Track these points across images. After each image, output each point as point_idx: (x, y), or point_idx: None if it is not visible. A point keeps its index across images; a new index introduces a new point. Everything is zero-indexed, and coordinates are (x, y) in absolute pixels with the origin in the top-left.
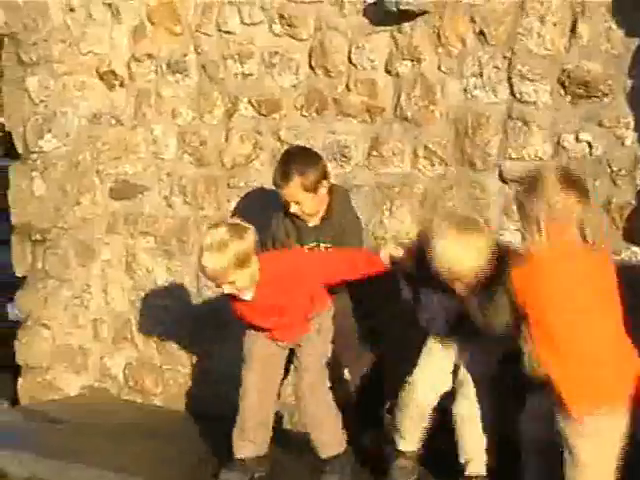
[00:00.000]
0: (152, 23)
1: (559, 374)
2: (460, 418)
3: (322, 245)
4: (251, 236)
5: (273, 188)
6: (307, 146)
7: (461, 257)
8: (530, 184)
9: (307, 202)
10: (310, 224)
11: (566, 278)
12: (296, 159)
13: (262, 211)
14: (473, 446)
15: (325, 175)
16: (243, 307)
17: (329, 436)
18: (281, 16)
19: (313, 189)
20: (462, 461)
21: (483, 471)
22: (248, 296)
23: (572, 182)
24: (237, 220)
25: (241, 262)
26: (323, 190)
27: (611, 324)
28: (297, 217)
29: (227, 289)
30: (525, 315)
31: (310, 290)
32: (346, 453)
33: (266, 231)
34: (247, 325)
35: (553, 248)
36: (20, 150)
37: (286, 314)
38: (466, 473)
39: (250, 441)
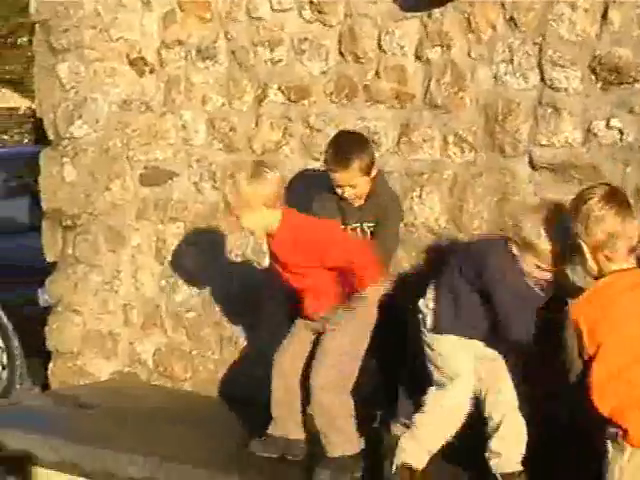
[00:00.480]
0: (182, 9)
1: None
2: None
3: (365, 225)
4: (267, 183)
5: (302, 174)
6: (352, 130)
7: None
8: (572, 206)
9: (361, 185)
10: (355, 205)
11: (628, 311)
12: (351, 144)
13: (291, 196)
14: (510, 442)
15: (374, 157)
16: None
17: (338, 436)
18: (311, 2)
19: (367, 172)
20: (492, 454)
21: (519, 467)
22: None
23: (614, 197)
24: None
25: (246, 203)
26: (374, 172)
27: None
28: (342, 198)
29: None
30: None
31: (328, 261)
32: (356, 457)
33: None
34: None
35: (610, 276)
36: (51, 136)
37: (307, 276)
38: (503, 472)
39: (281, 423)
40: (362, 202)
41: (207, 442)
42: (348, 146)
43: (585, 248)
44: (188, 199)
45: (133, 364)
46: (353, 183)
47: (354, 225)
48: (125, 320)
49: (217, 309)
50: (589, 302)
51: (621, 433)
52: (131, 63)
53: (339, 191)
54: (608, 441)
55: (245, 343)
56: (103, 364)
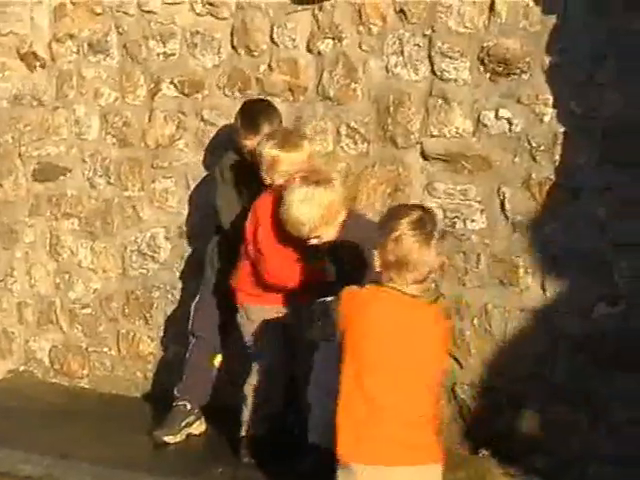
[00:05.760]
0: (73, 3)
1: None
2: None
3: None
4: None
5: (197, 167)
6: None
7: None
8: (385, 221)
9: None
10: None
11: (371, 322)
12: (261, 110)
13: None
14: None
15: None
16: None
17: None
18: None
19: None
20: None
21: None
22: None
23: (422, 227)
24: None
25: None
26: None
27: (405, 390)
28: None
29: None
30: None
31: None
32: None
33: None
34: None
35: (376, 287)
36: None
37: None
38: None
39: None
40: None
41: (105, 439)
42: (258, 113)
43: (376, 260)
44: (82, 194)
45: (29, 362)
46: None
47: None
48: (20, 318)
49: (113, 305)
50: (351, 299)
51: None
52: (22, 58)
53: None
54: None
55: (142, 339)
56: None
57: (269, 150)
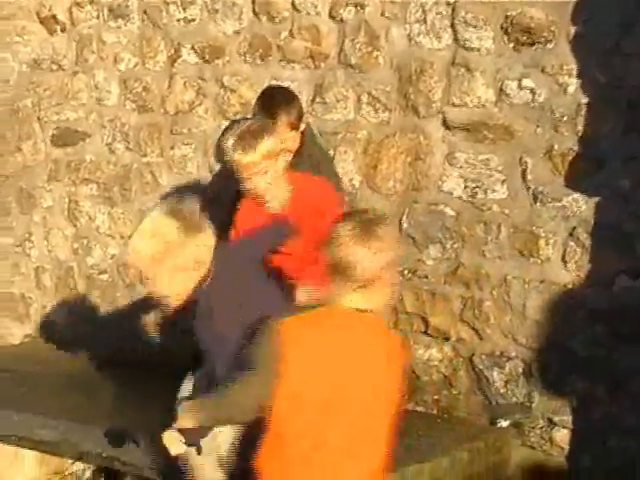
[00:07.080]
0: None
1: None
2: None
3: None
4: None
5: (216, 134)
6: (281, 84)
7: None
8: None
9: (290, 141)
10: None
11: (311, 355)
12: (278, 99)
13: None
14: None
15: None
16: None
17: None
18: None
19: (297, 127)
20: None
21: None
22: None
23: (358, 227)
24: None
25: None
26: (303, 126)
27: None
28: None
29: None
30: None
31: None
32: None
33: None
34: None
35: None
36: None
37: None
38: None
39: None
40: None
41: (119, 404)
42: (276, 102)
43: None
44: (101, 160)
45: (46, 327)
46: (283, 138)
47: None
48: (37, 283)
49: (130, 271)
50: (304, 326)
51: None
52: (42, 21)
53: None
54: None
55: (157, 307)
56: (16, 327)
57: (227, 151)
